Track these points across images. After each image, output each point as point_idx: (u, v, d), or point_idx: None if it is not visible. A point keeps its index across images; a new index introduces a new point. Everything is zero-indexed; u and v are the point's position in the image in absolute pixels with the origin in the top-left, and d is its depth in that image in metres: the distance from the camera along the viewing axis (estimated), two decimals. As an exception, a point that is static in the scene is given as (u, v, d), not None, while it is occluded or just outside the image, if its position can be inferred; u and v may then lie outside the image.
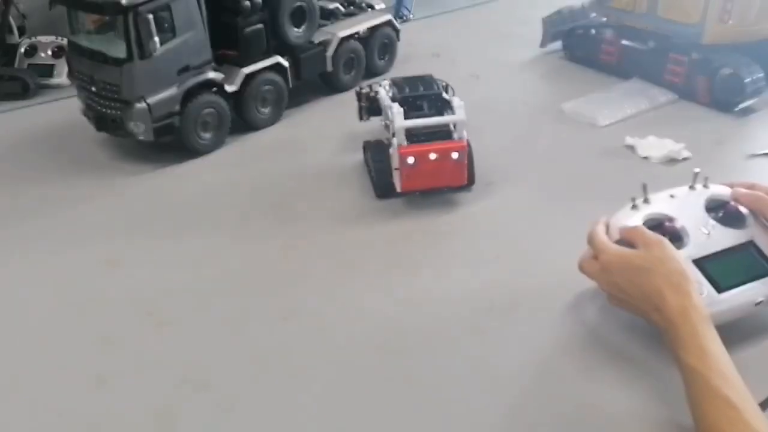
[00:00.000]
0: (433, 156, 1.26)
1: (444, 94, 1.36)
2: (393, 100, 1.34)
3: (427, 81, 1.41)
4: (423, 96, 1.36)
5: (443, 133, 1.29)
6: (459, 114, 1.28)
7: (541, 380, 0.96)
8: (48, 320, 1.11)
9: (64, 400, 0.96)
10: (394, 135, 1.27)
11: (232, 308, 1.11)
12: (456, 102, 1.30)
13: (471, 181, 1.35)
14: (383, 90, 1.40)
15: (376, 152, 1.37)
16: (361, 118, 1.50)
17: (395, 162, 1.28)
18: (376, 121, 1.47)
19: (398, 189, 1.30)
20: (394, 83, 1.41)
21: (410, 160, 1.26)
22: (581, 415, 0.90)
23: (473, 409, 0.91)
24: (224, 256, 1.24)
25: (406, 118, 1.28)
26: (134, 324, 1.09)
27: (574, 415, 0.90)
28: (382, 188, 1.35)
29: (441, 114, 1.31)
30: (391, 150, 1.30)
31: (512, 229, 1.27)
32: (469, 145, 1.31)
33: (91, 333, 1.07)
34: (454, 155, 1.27)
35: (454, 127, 1.28)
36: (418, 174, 1.27)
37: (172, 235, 1.31)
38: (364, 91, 1.48)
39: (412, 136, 1.28)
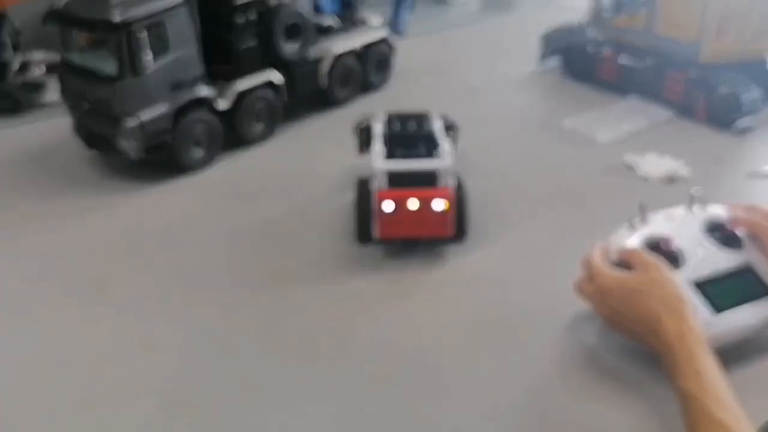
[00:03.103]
0: (413, 203, 1.14)
1: (438, 135, 1.25)
2: (383, 136, 1.26)
3: (422, 119, 1.31)
4: (413, 136, 1.26)
5: (430, 178, 1.17)
6: (445, 160, 1.17)
7: (539, 403, 0.94)
8: (33, 342, 1.09)
9: (49, 425, 0.94)
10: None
11: (221, 332, 1.09)
12: (445, 147, 1.20)
13: (460, 233, 1.21)
14: (378, 124, 1.31)
15: (362, 191, 1.22)
16: (360, 151, 1.40)
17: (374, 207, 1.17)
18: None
19: (376, 236, 1.19)
20: (388, 119, 1.32)
21: (388, 206, 1.15)
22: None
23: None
24: (214, 277, 1.22)
25: (391, 158, 1.19)
26: (122, 347, 1.06)
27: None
28: (363, 233, 1.22)
29: (431, 157, 1.20)
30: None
31: (509, 249, 1.25)
32: (462, 192, 1.20)
33: (77, 355, 1.05)
34: (438, 204, 1.15)
35: (441, 173, 1.17)
36: (397, 222, 1.16)
37: (163, 254, 1.29)
38: (363, 125, 1.38)
39: (396, 178, 1.17)
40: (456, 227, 1.19)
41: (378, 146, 1.20)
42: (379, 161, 1.17)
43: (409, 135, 1.26)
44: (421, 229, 1.17)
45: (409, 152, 1.21)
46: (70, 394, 0.98)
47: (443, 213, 1.15)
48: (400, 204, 1.15)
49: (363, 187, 1.22)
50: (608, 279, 0.94)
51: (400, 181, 1.16)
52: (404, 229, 1.17)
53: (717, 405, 0.78)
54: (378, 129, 1.28)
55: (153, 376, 1.01)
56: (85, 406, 0.96)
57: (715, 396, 0.79)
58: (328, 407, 0.94)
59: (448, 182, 1.16)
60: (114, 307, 1.15)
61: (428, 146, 1.23)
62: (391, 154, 1.20)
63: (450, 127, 1.33)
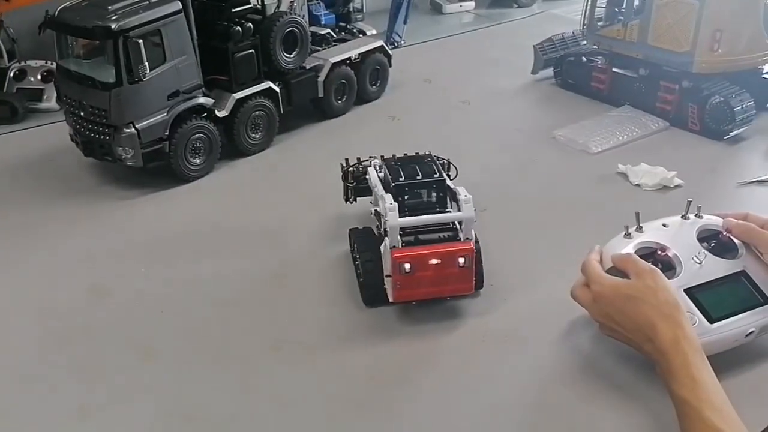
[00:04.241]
0: (434, 261, 1.02)
1: (449, 182, 1.12)
2: (385, 185, 1.11)
3: (426, 163, 1.14)
4: (422, 184, 1.10)
5: (446, 231, 1.06)
6: (466, 211, 1.04)
7: (535, 409, 0.95)
8: (31, 349, 1.08)
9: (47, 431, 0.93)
10: (386, 232, 1.04)
11: (219, 338, 1.09)
12: (462, 195, 1.05)
13: (478, 285, 1.12)
14: (373, 170, 1.17)
15: (364, 246, 1.12)
16: (347, 200, 1.27)
17: (387, 267, 1.05)
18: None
19: (390, 299, 1.07)
20: (387, 165, 1.16)
21: (406, 266, 1.01)
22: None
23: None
24: (212, 284, 1.22)
25: (401, 211, 1.04)
26: (120, 354, 1.06)
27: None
28: (372, 295, 1.11)
29: (444, 206, 1.09)
30: (382, 249, 1.06)
31: (504, 256, 1.25)
32: (477, 243, 1.08)
33: (75, 363, 1.05)
34: (461, 260, 1.03)
35: (460, 225, 1.05)
36: (414, 282, 1.02)
37: (160, 262, 1.28)
38: (351, 168, 1.24)
39: (410, 233, 1.05)
40: (475, 281, 1.08)
41: (389, 201, 1.04)
42: (393, 218, 1.02)
43: (419, 182, 1.10)
44: (441, 287, 1.05)
45: (419, 202, 1.10)
46: (66, 402, 0.98)
47: (465, 268, 1.03)
48: (420, 263, 1.02)
49: (365, 242, 1.12)
50: (604, 285, 0.94)
51: (415, 235, 1.05)
52: (423, 290, 1.05)
53: (712, 412, 0.78)
54: (373, 175, 1.16)
55: (150, 384, 1.00)
56: (81, 414, 0.96)
57: (710, 403, 0.79)
58: (321, 412, 0.95)
59: (470, 234, 1.04)
60: (110, 315, 1.15)
61: (438, 194, 1.11)
62: (399, 206, 1.05)
63: (444, 167, 1.21)
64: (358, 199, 1.27)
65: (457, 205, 1.06)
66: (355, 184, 1.24)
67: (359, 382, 1.00)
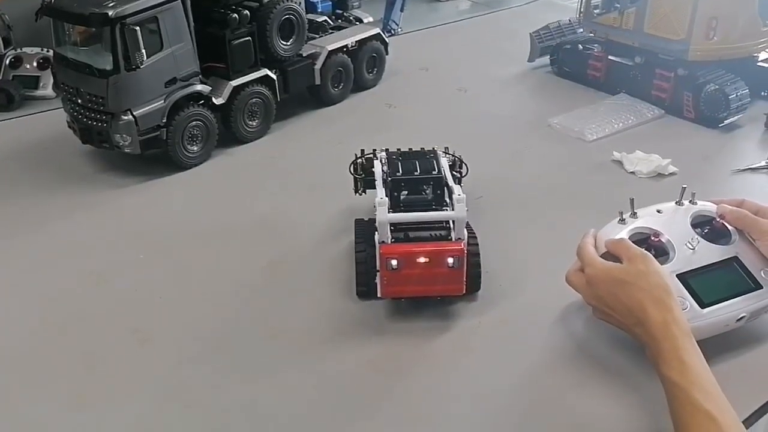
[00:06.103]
0: (422, 259, 1.02)
1: (448, 179, 1.11)
2: (384, 180, 1.12)
3: (427, 159, 1.15)
4: (419, 180, 1.11)
5: (440, 230, 1.05)
6: (458, 210, 1.02)
7: (529, 391, 0.96)
8: (29, 337, 1.09)
9: (44, 420, 0.94)
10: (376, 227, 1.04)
11: (218, 326, 1.10)
12: (456, 194, 1.04)
13: (473, 287, 1.11)
14: (379, 164, 1.18)
15: (361, 237, 1.12)
16: (356, 191, 1.28)
17: (377, 261, 1.05)
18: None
19: (378, 293, 1.07)
20: (388, 158, 1.18)
21: (393, 262, 1.02)
22: (568, 429, 0.90)
23: (462, 425, 0.91)
24: (211, 272, 1.23)
25: (394, 203, 1.06)
26: (118, 341, 1.07)
27: (561, 429, 0.90)
28: (363, 287, 1.11)
29: (440, 204, 1.09)
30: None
31: (499, 243, 1.26)
32: (476, 246, 1.09)
33: (73, 350, 1.05)
34: (449, 261, 1.02)
35: (453, 224, 1.04)
36: (402, 279, 1.03)
37: (158, 250, 1.29)
38: (359, 160, 1.24)
39: (402, 229, 1.05)
40: (469, 283, 1.07)
41: (380, 194, 1.06)
42: (381, 212, 1.02)
43: (415, 178, 1.11)
44: (429, 286, 1.05)
45: (415, 198, 1.10)
46: (64, 389, 0.98)
47: (455, 269, 1.03)
48: (407, 261, 1.02)
49: (362, 234, 1.12)
50: (597, 269, 0.96)
51: (405, 232, 1.05)
52: (411, 287, 1.05)
53: (702, 395, 0.80)
54: (378, 169, 1.16)
55: (148, 371, 1.01)
56: (80, 401, 0.96)
57: (699, 386, 0.81)
58: (319, 398, 0.96)
59: (461, 234, 1.03)
60: (109, 302, 1.16)
61: (436, 191, 1.11)
62: (394, 201, 1.08)
63: (455, 164, 1.21)
64: (367, 191, 1.27)
65: (451, 203, 1.05)
66: (364, 175, 1.25)
67: (357, 371, 1.00)
